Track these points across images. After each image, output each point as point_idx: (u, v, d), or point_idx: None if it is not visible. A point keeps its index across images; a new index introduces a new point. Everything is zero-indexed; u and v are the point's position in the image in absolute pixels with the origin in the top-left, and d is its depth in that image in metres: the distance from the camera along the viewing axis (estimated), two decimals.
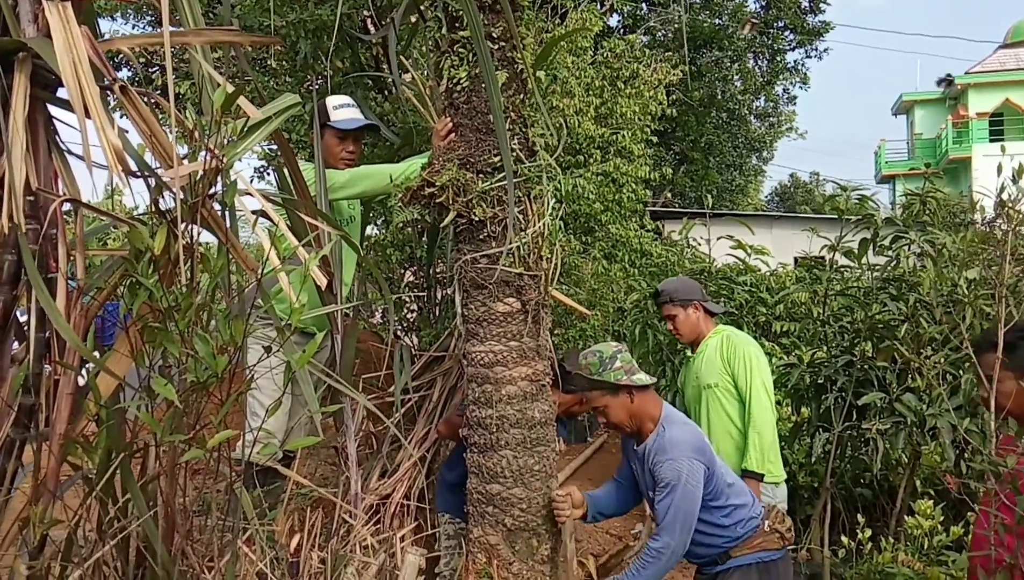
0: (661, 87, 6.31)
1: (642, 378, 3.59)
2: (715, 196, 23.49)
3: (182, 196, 1.64)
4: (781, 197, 42.32)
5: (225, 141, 1.74)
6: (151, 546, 2.14)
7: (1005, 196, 2.77)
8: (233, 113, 1.91)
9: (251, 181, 11.47)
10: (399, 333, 6.28)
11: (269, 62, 7.03)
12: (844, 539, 5.00)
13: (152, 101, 1.91)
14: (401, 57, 4.83)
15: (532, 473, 3.79)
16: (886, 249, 5.46)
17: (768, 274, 11.69)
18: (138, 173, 1.72)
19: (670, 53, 13.46)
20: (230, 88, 1.74)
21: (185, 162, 1.68)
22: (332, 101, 4.47)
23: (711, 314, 4.66)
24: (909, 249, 5.51)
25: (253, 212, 2.29)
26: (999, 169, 3.07)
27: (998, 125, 35.95)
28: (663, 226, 15.40)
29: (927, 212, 5.73)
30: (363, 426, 4.13)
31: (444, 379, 4.57)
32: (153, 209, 1.70)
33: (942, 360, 4.47)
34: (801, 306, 9.79)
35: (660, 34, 18.16)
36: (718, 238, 10.21)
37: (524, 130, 3.86)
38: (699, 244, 11.37)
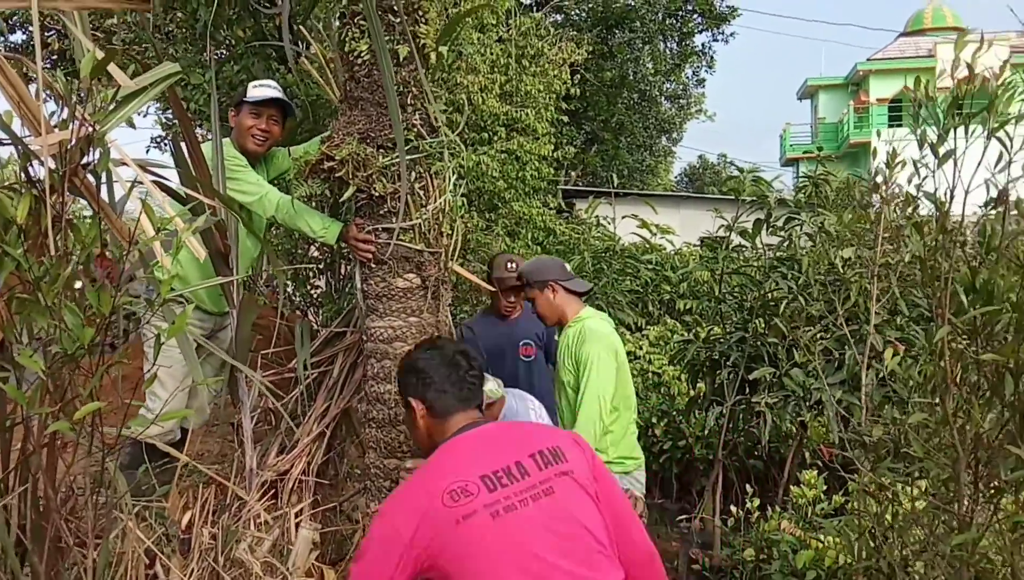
0: (565, 66, 6.36)
1: (493, 390, 3.65)
2: (626, 176, 23.88)
3: (52, 165, 1.59)
4: (690, 178, 43.14)
5: (100, 108, 1.70)
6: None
7: (879, 179, 2.90)
8: (113, 82, 1.87)
9: (147, 151, 11.12)
10: (302, 308, 6.22)
11: (170, 29, 6.82)
12: (734, 508, 5.19)
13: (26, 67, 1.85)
14: (303, 29, 4.75)
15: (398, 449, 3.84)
16: (779, 230, 5.66)
17: (673, 253, 11.98)
18: (4, 140, 1.67)
19: (580, 32, 13.55)
20: (100, 54, 1.69)
21: (56, 130, 1.64)
22: (254, 83, 4.38)
23: (576, 293, 4.40)
24: (800, 230, 5.72)
25: (131, 182, 2.23)
26: (891, 154, 3.20)
27: (897, 111, 37.35)
28: (574, 204, 15.58)
29: (819, 195, 5.94)
30: (261, 402, 4.09)
31: (345, 355, 4.55)
32: (23, 178, 1.65)
33: (826, 335, 4.67)
34: (703, 284, 10.10)
35: (574, 13, 18.25)
36: (623, 217, 10.41)
37: (425, 106, 3.86)
38: (608, 223, 11.58)
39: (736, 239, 6.05)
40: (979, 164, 2.06)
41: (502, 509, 2.07)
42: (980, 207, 2.02)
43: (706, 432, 6.85)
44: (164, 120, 7.37)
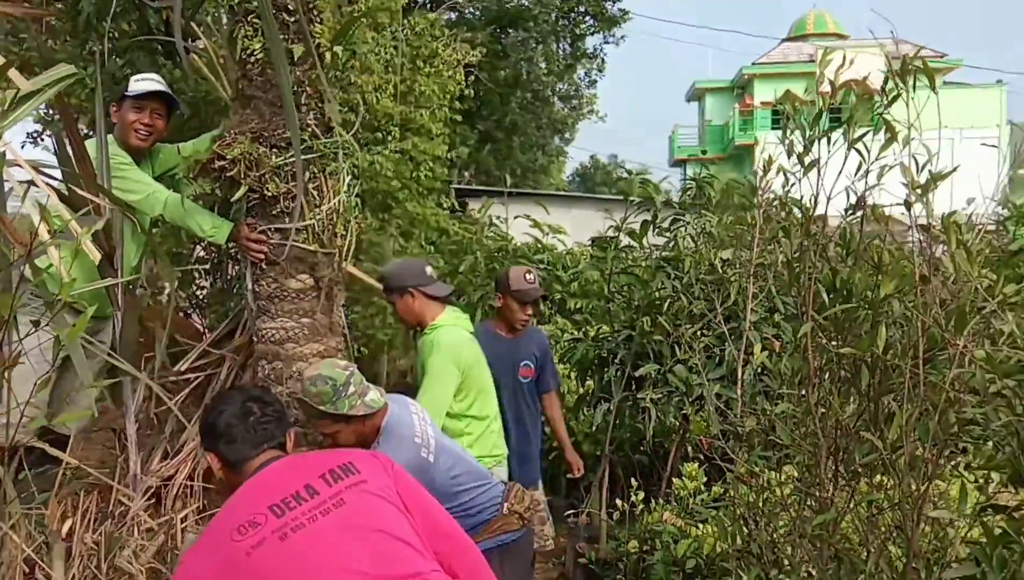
0: (460, 67, 6.43)
1: (375, 400, 3.39)
2: (519, 175, 24.09)
3: None
4: (582, 178, 43.87)
5: None
6: None
7: (757, 183, 3.06)
8: (3, 83, 1.83)
9: (22, 146, 10.63)
10: (188, 310, 6.08)
11: (51, 21, 6.56)
12: (619, 502, 5.36)
13: None
14: (192, 24, 4.66)
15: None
16: (665, 231, 5.86)
17: (564, 253, 12.18)
18: None
19: (474, 32, 13.60)
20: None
21: None
22: (136, 77, 4.27)
23: (436, 298, 4.39)
24: (685, 231, 5.95)
25: (21, 182, 2.19)
26: (766, 161, 3.38)
27: (779, 114, 38.83)
28: (467, 204, 15.65)
29: (703, 197, 6.18)
30: (144, 407, 4.01)
31: (234, 357, 4.50)
32: None
33: (708, 333, 4.87)
34: (594, 284, 10.32)
35: (468, 12, 18.32)
36: (515, 217, 10.55)
37: (320, 105, 3.85)
38: (501, 222, 11.69)
39: (625, 239, 6.23)
40: (840, 173, 2.23)
41: (290, 530, 2.09)
42: (841, 212, 2.19)
43: (594, 429, 7.02)
44: (41, 114, 7.07)
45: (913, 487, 1.86)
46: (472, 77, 7.28)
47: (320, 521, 2.10)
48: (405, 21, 5.90)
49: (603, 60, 20.66)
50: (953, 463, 1.94)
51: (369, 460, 2.34)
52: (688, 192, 6.27)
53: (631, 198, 6.10)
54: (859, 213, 2.09)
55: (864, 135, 2.21)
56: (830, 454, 2.06)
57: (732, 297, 4.81)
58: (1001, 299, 1.77)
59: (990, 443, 1.79)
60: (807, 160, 2.28)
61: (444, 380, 4.21)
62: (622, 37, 19.68)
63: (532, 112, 21.07)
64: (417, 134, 5.87)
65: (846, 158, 2.25)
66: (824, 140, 2.28)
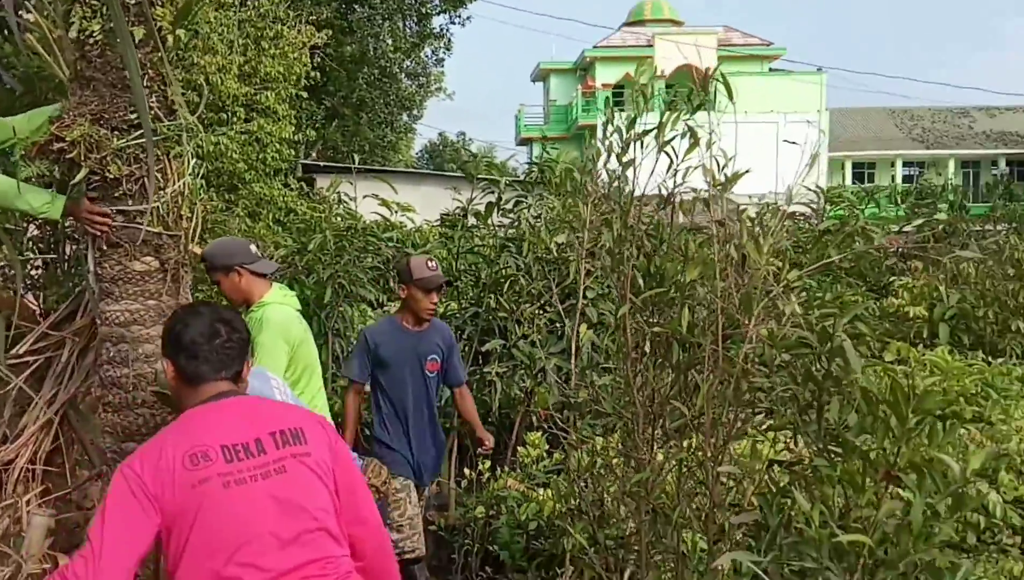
0: (306, 49, 6.42)
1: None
2: (367, 152, 23.90)
3: None
4: (431, 155, 43.86)
5: None
6: None
7: (591, 166, 3.28)
8: None
9: None
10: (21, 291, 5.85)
11: None
12: (467, 471, 5.60)
13: None
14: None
15: (136, 433, 3.85)
16: (508, 212, 6.12)
17: (413, 230, 12.30)
18: None
19: (319, 6, 13.41)
20: None
21: None
22: None
23: (262, 275, 4.42)
24: (528, 212, 6.22)
25: None
26: (595, 153, 3.63)
27: (620, 96, 40.10)
28: (315, 180, 15.46)
29: (545, 179, 6.48)
30: None
31: (74, 339, 4.41)
32: None
33: (549, 310, 5.16)
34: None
35: None
36: (364, 196, 10.58)
37: (163, 88, 3.83)
38: (350, 201, 11.67)
39: (472, 218, 6.45)
40: (652, 172, 2.49)
41: (233, 481, 2.18)
42: (657, 206, 2.46)
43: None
44: None
45: (714, 447, 2.16)
46: (318, 56, 7.25)
47: (259, 483, 2.20)
48: (249, 2, 5.84)
49: (450, 40, 20.76)
50: (752, 425, 2.26)
51: (317, 431, 2.38)
52: (531, 175, 6.55)
53: (477, 177, 6.33)
54: (668, 207, 2.35)
55: (672, 140, 2.48)
56: (647, 421, 2.34)
57: (571, 277, 5.11)
58: (785, 284, 2.07)
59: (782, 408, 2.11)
60: (624, 158, 2.52)
61: (275, 355, 4.25)
62: (468, 18, 19.85)
63: (380, 89, 20.94)
64: (263, 115, 5.85)
65: (657, 159, 2.52)
66: (645, 135, 2.52)
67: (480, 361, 6.03)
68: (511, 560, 4.78)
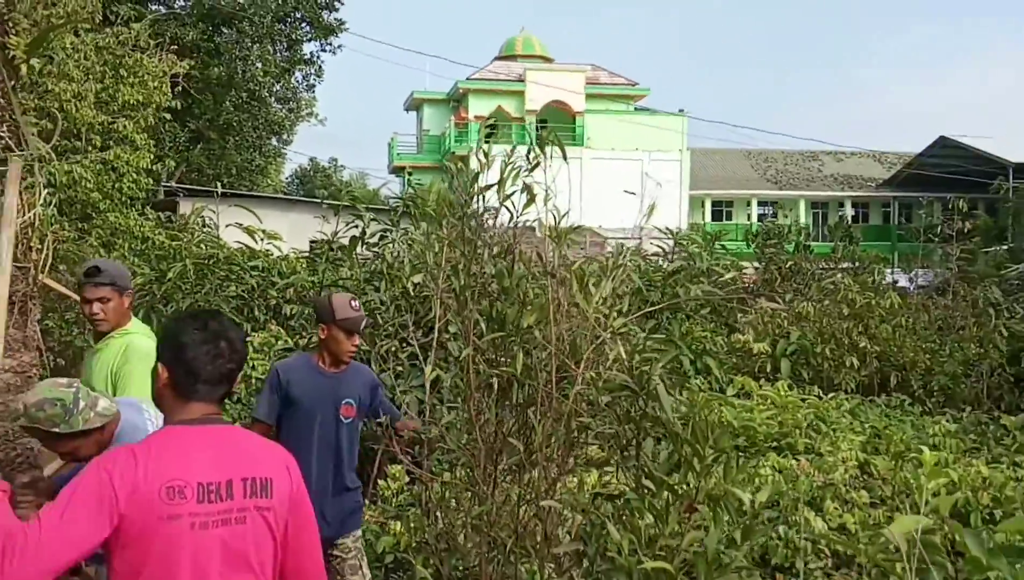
0: (166, 77, 6.35)
1: (108, 407, 3.32)
2: (234, 175, 23.41)
3: None
4: (302, 180, 43.26)
5: None
6: None
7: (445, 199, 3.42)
8: None
9: None
10: None
11: None
12: None
13: None
14: None
15: (13, 465, 3.77)
16: (372, 247, 6.22)
17: (280, 259, 12.16)
18: None
19: (185, 29, 13.15)
20: None
21: None
22: None
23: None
24: (394, 246, 6.34)
25: None
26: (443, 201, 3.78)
27: (491, 128, 40.71)
28: (178, 204, 15.06)
29: (413, 213, 6.61)
30: None
31: None
32: None
33: (411, 345, 5.26)
34: (310, 290, 10.46)
35: (178, 6, 17.62)
36: (227, 225, 10.42)
37: (13, 118, 3.78)
38: (215, 226, 11.45)
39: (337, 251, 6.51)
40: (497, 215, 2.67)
41: (199, 523, 2.20)
42: (496, 257, 2.63)
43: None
44: None
45: (547, 482, 2.33)
46: (178, 85, 7.15)
47: (220, 529, 2.22)
48: (108, 30, 5.74)
49: (320, 66, 20.69)
50: (581, 461, 2.44)
51: (283, 482, 2.36)
52: (396, 210, 6.67)
53: (343, 206, 6.41)
54: (510, 257, 2.52)
55: (511, 195, 2.66)
56: (488, 457, 2.48)
57: (434, 312, 5.25)
58: (612, 330, 2.27)
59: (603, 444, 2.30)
60: (469, 209, 2.69)
61: (147, 386, 4.17)
62: (339, 47, 19.84)
63: (248, 112, 20.64)
64: (120, 144, 5.74)
65: (498, 211, 2.70)
66: (487, 190, 2.69)
67: None
68: None
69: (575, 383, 2.28)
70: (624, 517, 2.05)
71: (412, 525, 2.89)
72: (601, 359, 2.28)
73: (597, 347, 2.29)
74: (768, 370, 8.73)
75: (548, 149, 2.57)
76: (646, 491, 2.07)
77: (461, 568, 2.45)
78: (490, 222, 3.08)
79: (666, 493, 2.01)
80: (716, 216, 45.57)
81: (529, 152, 2.62)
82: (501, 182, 2.59)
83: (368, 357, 5.86)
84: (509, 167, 2.57)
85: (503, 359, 2.47)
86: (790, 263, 13.77)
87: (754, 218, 42.87)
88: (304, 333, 8.48)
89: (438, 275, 3.06)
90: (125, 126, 5.72)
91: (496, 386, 2.49)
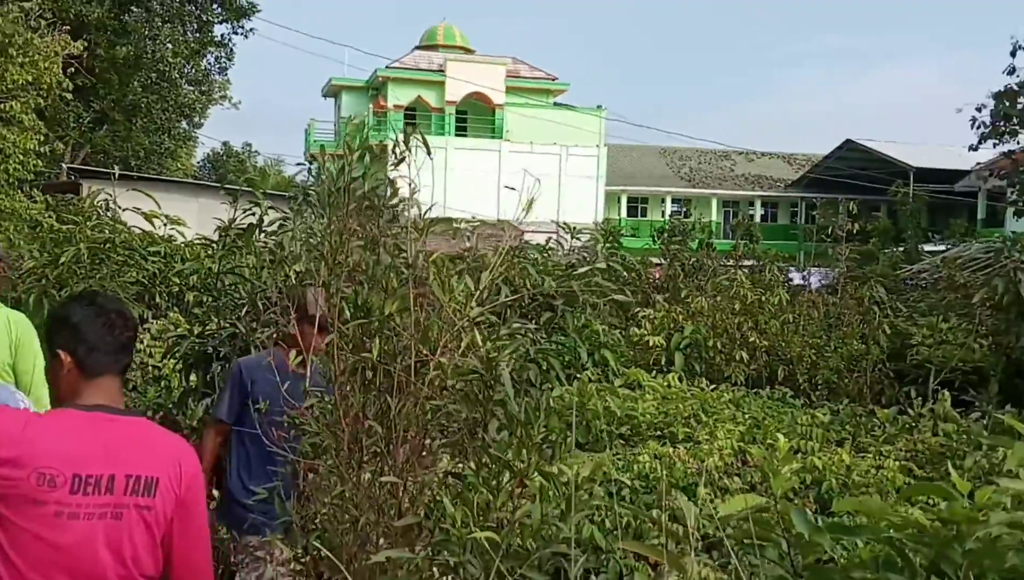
0: (59, 57, 6.22)
1: None
2: (142, 158, 22.85)
3: None
4: (214, 165, 42.39)
5: None
6: None
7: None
8: None
9: None
10: None
11: None
12: (215, 492, 5.62)
13: None
14: None
15: None
16: (270, 235, 6.22)
17: (184, 245, 11.97)
18: None
19: (90, 6, 12.81)
20: None
21: None
22: None
23: None
24: (293, 234, 6.34)
25: None
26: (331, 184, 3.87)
27: (412, 118, 40.59)
28: (80, 186, 14.66)
29: (310, 201, 6.62)
30: None
31: None
32: None
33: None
34: (215, 278, 10.35)
35: None
36: (125, 210, 10.23)
37: None
38: (119, 210, 11.19)
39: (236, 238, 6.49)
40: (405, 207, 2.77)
41: (67, 514, 2.20)
42: (365, 247, 2.74)
43: (200, 423, 7.19)
44: None
45: (404, 464, 2.45)
46: (72, 69, 7.01)
47: (94, 522, 2.22)
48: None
49: (232, 49, 20.37)
50: (437, 443, 2.56)
51: (172, 484, 2.37)
52: (295, 199, 6.67)
53: (241, 192, 6.40)
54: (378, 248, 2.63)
55: (377, 187, 2.76)
56: (351, 440, 2.59)
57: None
58: (468, 319, 2.40)
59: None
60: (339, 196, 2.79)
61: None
62: (251, 30, 19.56)
63: (157, 93, 20.18)
64: (7, 125, 5.62)
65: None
66: (353, 182, 2.79)
67: None
68: None
69: (431, 369, 2.40)
70: (461, 493, 2.19)
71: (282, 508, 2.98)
72: (456, 346, 2.41)
73: (455, 335, 2.42)
74: (663, 363, 9.04)
75: (413, 142, 2.68)
76: (486, 468, 2.21)
77: (325, 546, 2.55)
78: (385, 213, 3.18)
79: (503, 470, 2.16)
80: (632, 212, 46.40)
81: (395, 147, 2.73)
82: (365, 175, 2.70)
83: (248, 344, 5.89)
84: (373, 159, 2.68)
85: (369, 346, 2.59)
86: (693, 260, 14.20)
87: (668, 215, 43.82)
88: (209, 321, 8.42)
89: (319, 264, 3.14)
90: (12, 107, 5.60)
91: (361, 372, 2.60)
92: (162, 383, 8.18)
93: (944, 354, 10.03)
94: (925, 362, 9.80)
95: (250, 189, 6.71)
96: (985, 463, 5.69)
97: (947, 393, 7.61)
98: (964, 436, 6.40)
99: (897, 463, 5.54)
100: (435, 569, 2.13)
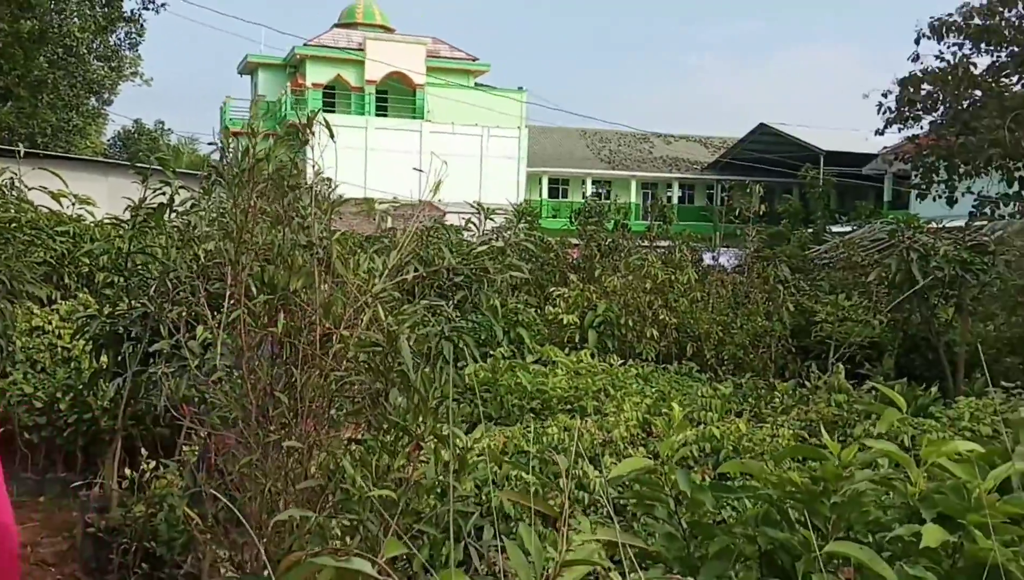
0: None
1: None
2: (49, 136, 22.10)
3: None
4: (125, 143, 41.18)
5: None
6: None
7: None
8: None
9: None
10: None
11: None
12: (129, 471, 5.64)
13: None
14: None
15: None
16: (181, 215, 6.19)
17: (94, 225, 11.71)
18: None
19: None
20: None
21: None
22: None
23: None
24: (204, 215, 6.32)
25: None
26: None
27: (331, 97, 40.06)
28: None
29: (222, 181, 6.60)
30: None
31: None
32: None
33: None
34: (126, 258, 10.18)
35: None
36: (30, 188, 9.97)
37: None
38: (25, 189, 10.88)
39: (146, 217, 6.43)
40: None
41: None
42: (272, 226, 2.84)
43: (111, 404, 7.13)
44: None
45: (312, 432, 2.56)
46: None
47: None
48: None
49: (142, 25, 19.85)
50: (342, 412, 2.69)
51: None
52: (209, 178, 6.64)
53: (151, 170, 6.35)
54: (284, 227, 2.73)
55: (282, 167, 2.86)
56: (259, 411, 2.69)
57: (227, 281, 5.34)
58: (371, 295, 2.52)
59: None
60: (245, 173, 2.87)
61: None
62: (162, 4, 19.07)
63: (64, 69, 19.55)
64: None
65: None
66: (259, 162, 2.88)
67: (150, 362, 6.05)
68: (170, 555, 4.93)
69: (335, 342, 2.52)
70: (363, 457, 2.32)
71: (184, 478, 3.07)
72: (360, 321, 2.53)
73: (359, 310, 2.54)
74: (577, 340, 9.27)
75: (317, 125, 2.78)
76: (385, 433, 2.35)
77: (234, 512, 2.66)
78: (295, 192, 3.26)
79: (401, 434, 2.30)
80: (553, 193, 46.76)
81: (303, 127, 2.82)
82: (268, 157, 2.79)
83: (160, 323, 5.89)
84: (276, 141, 2.77)
85: (275, 321, 2.68)
86: (609, 241, 14.51)
87: (588, 196, 44.35)
88: (119, 302, 8.31)
89: (227, 243, 3.21)
90: None
91: (268, 345, 2.70)
92: (72, 364, 8.06)
93: (845, 330, 10.50)
94: (827, 338, 10.25)
95: (161, 168, 6.65)
96: (872, 430, 6.06)
97: (841, 366, 8.03)
98: (855, 406, 6.78)
99: (791, 431, 5.85)
100: (338, 529, 2.26)
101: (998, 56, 23.74)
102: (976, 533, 2.60)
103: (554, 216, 39.42)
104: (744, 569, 2.92)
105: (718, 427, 5.58)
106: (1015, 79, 23.74)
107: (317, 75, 39.51)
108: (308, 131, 2.72)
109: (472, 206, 10.00)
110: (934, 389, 8.24)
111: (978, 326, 10.92)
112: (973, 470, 2.74)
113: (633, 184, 46.84)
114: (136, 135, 40.63)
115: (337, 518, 2.20)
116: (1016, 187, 22.50)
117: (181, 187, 6.28)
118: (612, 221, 16.39)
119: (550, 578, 1.62)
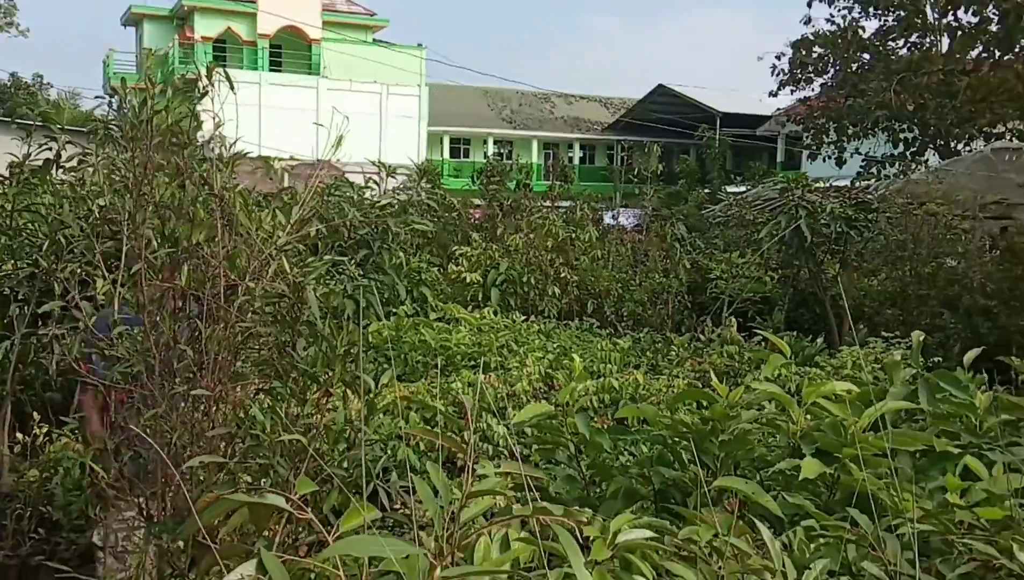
0: None
1: None
2: None
3: None
4: (1, 98, 38.99)
5: None
6: None
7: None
8: None
9: None
10: None
11: None
12: (20, 436, 5.49)
13: None
14: None
15: None
16: (71, 170, 5.97)
17: None
18: None
19: None
20: None
21: None
22: None
23: None
24: (94, 170, 6.12)
25: None
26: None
27: (222, 50, 38.70)
28: None
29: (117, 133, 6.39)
30: None
31: None
32: None
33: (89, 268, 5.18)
34: (9, 217, 9.74)
35: None
36: None
37: None
38: None
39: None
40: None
41: None
42: (170, 181, 2.80)
43: None
44: None
45: (219, 385, 2.58)
46: None
47: None
48: None
49: None
50: (249, 365, 2.70)
51: None
52: (97, 131, 6.41)
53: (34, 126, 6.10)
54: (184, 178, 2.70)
55: (181, 120, 2.82)
56: (163, 366, 2.68)
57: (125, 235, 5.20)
58: (276, 248, 2.54)
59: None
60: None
61: None
62: None
63: None
64: None
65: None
66: (156, 114, 2.83)
67: (39, 324, 5.86)
68: (67, 520, 4.84)
69: (240, 294, 2.53)
70: (272, 405, 2.36)
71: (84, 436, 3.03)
72: (265, 273, 2.54)
73: (264, 262, 2.55)
74: (480, 298, 9.38)
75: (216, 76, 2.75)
76: (294, 382, 2.39)
77: (140, 467, 2.65)
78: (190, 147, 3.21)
79: (308, 381, 2.34)
80: (455, 153, 46.56)
81: (199, 80, 2.78)
82: (167, 109, 2.75)
83: (66, 283, 5.71)
84: (176, 92, 2.73)
85: (178, 274, 2.67)
86: (511, 200, 14.61)
87: (490, 156, 44.29)
88: (4, 263, 7.97)
89: (123, 198, 3.15)
90: None
91: (171, 299, 2.68)
92: None
93: (738, 286, 10.91)
94: (721, 294, 10.64)
95: (45, 124, 6.38)
96: (761, 377, 6.38)
97: (734, 320, 8.36)
98: (746, 357, 7.10)
99: (686, 382, 6.10)
100: (248, 476, 2.29)
101: (885, 20, 24.68)
102: (851, 466, 2.82)
103: (456, 175, 39.26)
104: (640, 509, 3.09)
105: (617, 379, 5.78)
106: (901, 43, 24.74)
107: (206, 28, 38.06)
108: (209, 83, 2.69)
109: (373, 164, 9.93)
110: (820, 340, 8.68)
111: (862, 281, 11.51)
112: (848, 409, 2.96)
113: (535, 144, 47.03)
114: (12, 89, 38.48)
115: (247, 463, 2.23)
116: (901, 148, 23.57)
117: (68, 143, 6.06)
118: (514, 181, 16.48)
119: (456, 511, 1.71)
